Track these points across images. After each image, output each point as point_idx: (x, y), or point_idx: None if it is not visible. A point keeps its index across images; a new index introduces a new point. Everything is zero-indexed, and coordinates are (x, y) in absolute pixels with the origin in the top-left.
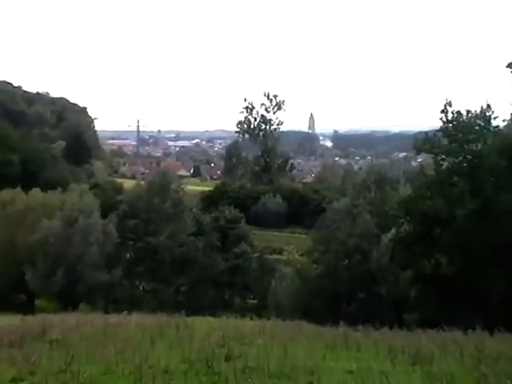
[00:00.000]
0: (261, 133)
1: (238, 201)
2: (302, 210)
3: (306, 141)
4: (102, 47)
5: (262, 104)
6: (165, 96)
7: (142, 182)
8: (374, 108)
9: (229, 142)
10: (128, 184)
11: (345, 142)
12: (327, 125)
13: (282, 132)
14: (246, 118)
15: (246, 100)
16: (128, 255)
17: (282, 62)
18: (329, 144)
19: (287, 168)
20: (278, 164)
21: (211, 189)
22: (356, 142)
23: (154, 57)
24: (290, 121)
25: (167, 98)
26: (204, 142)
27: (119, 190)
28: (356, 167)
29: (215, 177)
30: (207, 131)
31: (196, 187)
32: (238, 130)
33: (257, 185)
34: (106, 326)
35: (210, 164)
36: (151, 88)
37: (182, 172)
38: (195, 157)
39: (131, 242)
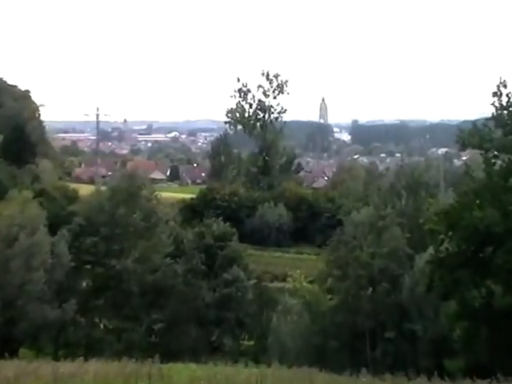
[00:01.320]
0: (258, 123)
1: (228, 212)
2: (311, 223)
3: (317, 134)
4: (48, 17)
5: (260, 86)
6: (132, 78)
7: (104, 188)
8: (404, 92)
9: (216, 135)
10: (85, 190)
11: (366, 134)
12: (343, 113)
13: (286, 122)
14: (238, 104)
15: (238, 80)
16: (85, 284)
17: (285, 36)
18: (346, 137)
19: (292, 169)
20: (281, 164)
21: (194, 196)
22: (381, 134)
23: (116, 29)
24: (297, 108)
25: (136, 80)
26: (184, 136)
27: (73, 197)
28: (382, 167)
29: (199, 180)
30: (188, 121)
31: (174, 194)
32: (228, 119)
33: (253, 191)
34: (56, 379)
35: (191, 164)
36: (115, 68)
37: (156, 174)
38: (173, 155)
39: (89, 267)
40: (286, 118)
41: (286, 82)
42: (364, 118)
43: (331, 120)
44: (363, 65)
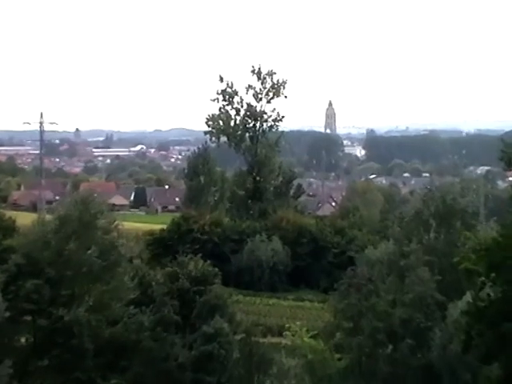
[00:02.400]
0: (247, 134)
1: (209, 246)
2: (315, 261)
3: (323, 147)
4: None
5: (249, 87)
6: (86, 78)
7: (49, 217)
8: (432, 94)
9: (194, 148)
10: (25, 219)
11: (385, 148)
12: (356, 121)
13: (283, 133)
14: (222, 109)
15: (222, 80)
16: (24, 340)
17: (280, 29)
18: (359, 152)
19: (291, 192)
20: (276, 185)
21: (165, 227)
22: (404, 148)
23: (66, 23)
24: (297, 115)
25: (90, 81)
26: (153, 150)
27: (9, 229)
28: (405, 190)
29: (172, 207)
30: (158, 131)
31: (140, 224)
32: (208, 129)
33: (241, 220)
34: None
35: (162, 186)
36: (63, 67)
37: (117, 199)
38: (138, 174)
39: (29, 318)
40: (283, 127)
41: (284, 82)
42: (382, 128)
43: (340, 130)
44: (379, 60)
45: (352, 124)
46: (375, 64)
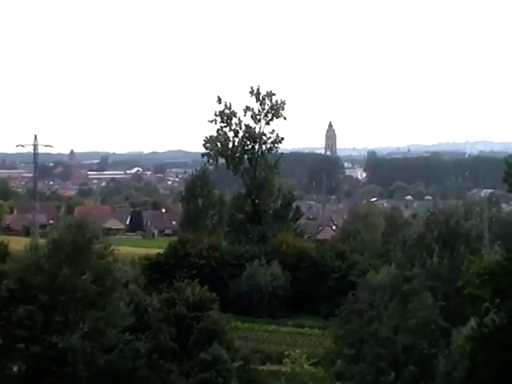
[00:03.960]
0: (245, 156)
1: (207, 271)
2: (315, 286)
3: (323, 169)
4: None
5: (248, 108)
6: (81, 99)
7: (43, 241)
8: (433, 115)
9: (191, 171)
10: (17, 244)
11: (387, 170)
12: (356, 143)
13: (283, 155)
14: (220, 131)
15: (220, 101)
16: (16, 368)
17: (278, 50)
18: (360, 174)
19: (290, 215)
20: (276, 209)
21: (161, 251)
22: (406, 171)
23: (60, 41)
24: (296, 137)
25: (85, 103)
26: (149, 172)
27: (1, 253)
28: (407, 214)
29: (168, 231)
30: (154, 153)
31: (136, 249)
32: (206, 151)
33: (239, 244)
34: None
35: (159, 209)
36: (58, 87)
37: (113, 223)
38: (134, 197)
39: (22, 345)
40: (282, 148)
41: (283, 102)
42: (383, 149)
43: (341, 151)
44: (380, 81)
45: (353, 145)
46: (376, 85)
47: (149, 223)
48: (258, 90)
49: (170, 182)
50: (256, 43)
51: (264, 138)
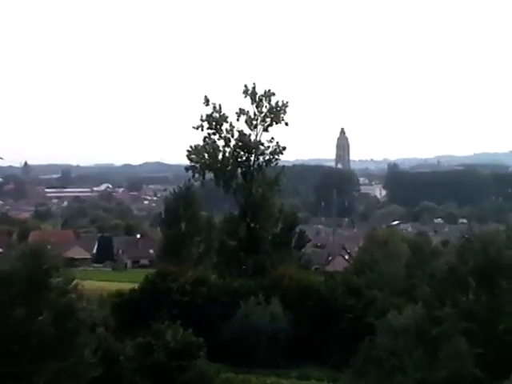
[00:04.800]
0: (239, 170)
1: (192, 311)
2: (324, 329)
3: (333, 185)
4: None
5: (241, 111)
6: (38, 101)
7: None
8: (467, 120)
9: (173, 188)
10: None
11: (411, 187)
12: (373, 153)
13: (285, 168)
14: (207, 139)
15: (207, 102)
16: None
17: (278, 44)
18: (379, 192)
19: (293, 242)
20: (276, 233)
21: (136, 286)
22: (434, 187)
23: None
24: (301, 146)
25: (43, 106)
26: (121, 190)
27: None
28: (436, 240)
29: (144, 261)
30: (127, 166)
31: (105, 283)
32: (191, 163)
33: (232, 277)
34: None
35: (133, 235)
36: (8, 86)
37: (76, 252)
38: (103, 220)
39: None
40: (283, 160)
41: (285, 105)
42: (406, 161)
43: (355, 164)
44: (401, 79)
45: (369, 157)
46: (397, 82)
47: (120, 252)
48: (253, 88)
49: (146, 202)
50: (250, 37)
51: (261, 147)
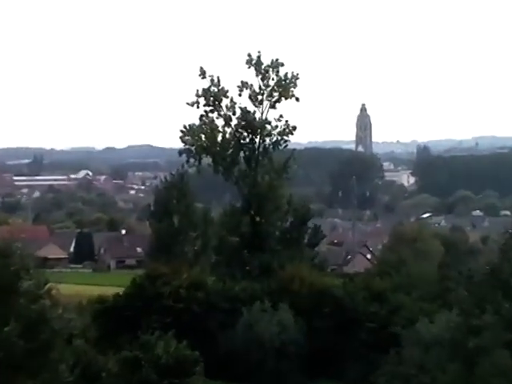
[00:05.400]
0: (242, 153)
1: (186, 319)
2: (341, 340)
3: (352, 172)
4: None
5: (244, 85)
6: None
7: None
8: (510, 95)
9: (164, 175)
10: None
11: (445, 174)
12: (399, 134)
13: (296, 151)
14: (204, 117)
15: (204, 75)
16: None
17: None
18: (406, 179)
19: (304, 238)
20: (285, 229)
21: (121, 291)
22: (472, 174)
23: None
24: (316, 126)
25: (12, 81)
26: (103, 177)
27: None
28: (475, 236)
29: (131, 261)
30: (110, 149)
31: (84, 287)
32: (184, 146)
33: (233, 280)
34: None
35: (117, 230)
36: None
37: (51, 250)
38: (81, 213)
39: None
40: (294, 143)
41: (295, 77)
42: (439, 144)
43: (379, 147)
44: (431, 48)
45: (395, 138)
46: (427, 54)
47: (102, 251)
48: (258, 58)
49: (133, 192)
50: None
51: (268, 127)
